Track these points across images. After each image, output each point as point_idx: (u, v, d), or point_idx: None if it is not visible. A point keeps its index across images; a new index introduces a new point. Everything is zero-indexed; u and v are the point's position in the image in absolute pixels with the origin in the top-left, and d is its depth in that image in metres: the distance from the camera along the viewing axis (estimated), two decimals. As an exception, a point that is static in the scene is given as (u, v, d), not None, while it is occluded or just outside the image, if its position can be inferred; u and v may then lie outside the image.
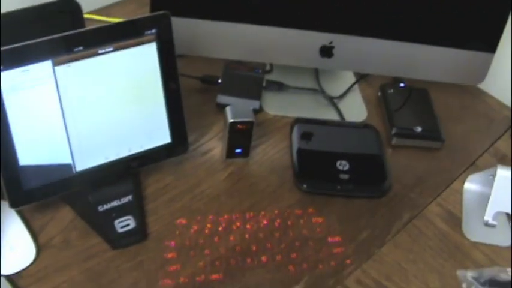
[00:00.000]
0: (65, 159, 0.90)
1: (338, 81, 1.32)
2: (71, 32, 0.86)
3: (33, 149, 0.87)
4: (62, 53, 0.86)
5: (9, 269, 0.86)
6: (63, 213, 0.95)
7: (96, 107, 0.91)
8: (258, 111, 1.19)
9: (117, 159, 0.95)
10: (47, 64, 0.85)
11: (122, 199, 0.94)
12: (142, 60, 0.94)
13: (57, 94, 0.86)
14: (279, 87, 1.25)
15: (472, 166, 1.18)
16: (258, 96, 1.20)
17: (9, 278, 0.85)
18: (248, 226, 0.99)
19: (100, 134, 0.92)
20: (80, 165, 0.91)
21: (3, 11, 0.90)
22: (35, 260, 0.88)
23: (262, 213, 1.01)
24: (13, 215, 0.92)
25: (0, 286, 0.82)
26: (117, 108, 0.93)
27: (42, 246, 0.90)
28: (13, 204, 0.88)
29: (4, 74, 0.81)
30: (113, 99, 0.92)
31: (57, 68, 0.86)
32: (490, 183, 1.04)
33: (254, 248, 0.96)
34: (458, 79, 1.25)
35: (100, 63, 0.89)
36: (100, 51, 0.89)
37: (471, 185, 1.12)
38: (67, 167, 0.91)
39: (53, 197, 0.93)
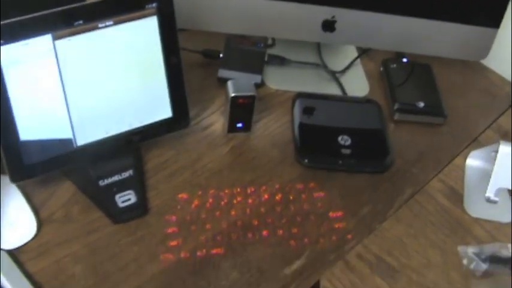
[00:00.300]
0: (66, 134, 0.90)
1: (340, 56, 1.31)
2: (71, 6, 0.86)
3: (34, 123, 0.86)
4: (62, 26, 0.85)
5: (11, 244, 0.86)
6: (65, 188, 0.95)
7: (97, 81, 0.90)
8: (259, 85, 1.18)
9: (118, 134, 0.95)
10: (47, 38, 0.84)
11: (122, 174, 0.94)
12: (143, 34, 0.93)
13: (57, 68, 0.86)
14: (281, 61, 1.25)
15: (474, 142, 1.17)
16: (259, 71, 1.20)
17: (11, 253, 0.85)
18: (249, 201, 0.99)
19: (101, 109, 0.92)
20: (81, 140, 0.91)
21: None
22: (36, 235, 0.88)
23: (264, 187, 1.01)
24: (14, 190, 0.92)
25: (1, 261, 0.82)
26: (118, 82, 0.93)
27: (43, 221, 0.90)
28: (14, 179, 0.88)
29: (4, 48, 0.81)
30: (113, 74, 0.92)
31: (57, 42, 0.85)
32: (492, 160, 1.04)
33: (255, 223, 0.96)
34: (461, 54, 1.24)
35: (100, 37, 0.89)
36: (100, 25, 0.88)
37: (473, 161, 1.11)
38: (68, 142, 0.90)
39: (54, 171, 0.93)
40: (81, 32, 0.87)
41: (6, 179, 0.88)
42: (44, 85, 0.86)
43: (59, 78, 0.87)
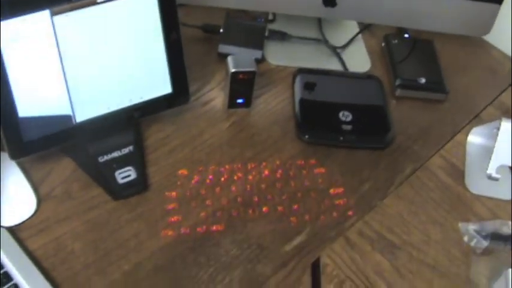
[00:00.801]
0: (65, 110, 0.89)
1: (341, 31, 1.30)
2: (69, -20, 0.85)
3: (33, 100, 0.86)
4: (60, 2, 0.84)
5: (10, 220, 0.86)
6: (64, 165, 0.95)
7: (96, 57, 0.90)
8: (260, 61, 1.18)
9: (118, 110, 0.94)
10: (45, 14, 0.84)
11: (122, 150, 0.94)
12: (142, 9, 0.92)
13: (56, 44, 0.85)
14: (282, 36, 1.24)
15: (475, 119, 1.17)
16: (260, 46, 1.19)
17: (10, 230, 0.85)
18: (250, 177, 0.98)
19: (100, 85, 0.91)
20: (80, 116, 0.91)
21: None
22: (35, 212, 0.88)
23: (264, 164, 1.01)
24: (13, 167, 0.91)
25: (0, 238, 0.82)
26: (117, 58, 0.92)
27: (43, 197, 0.90)
28: (13, 156, 0.88)
29: (2, 24, 0.80)
30: (112, 49, 0.91)
31: (55, 18, 0.84)
32: (493, 136, 1.04)
33: (256, 199, 0.96)
34: (464, 30, 1.23)
35: (99, 13, 0.88)
36: (99, 0, 0.87)
37: (474, 138, 1.11)
38: (67, 118, 0.90)
39: (54, 148, 0.92)
40: (79, 8, 0.86)
41: (5, 156, 0.88)
42: (42, 61, 0.85)
43: (58, 54, 0.86)
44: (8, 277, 0.78)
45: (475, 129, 1.12)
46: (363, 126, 1.09)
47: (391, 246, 0.93)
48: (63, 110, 0.89)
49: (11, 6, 0.80)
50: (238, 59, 1.04)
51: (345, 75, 1.20)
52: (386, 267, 0.90)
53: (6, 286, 0.77)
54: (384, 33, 1.30)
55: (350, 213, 0.97)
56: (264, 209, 0.94)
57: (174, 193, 0.94)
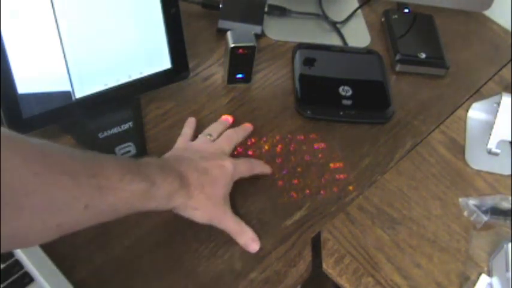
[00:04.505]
0: (64, 87, 0.89)
1: (341, 6, 1.29)
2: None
3: (32, 76, 0.85)
4: (59, -24, 0.83)
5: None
6: (64, 142, 0.94)
7: (95, 32, 0.89)
8: (259, 36, 1.17)
9: (117, 86, 0.93)
10: (44, -13, 0.83)
11: (122, 126, 0.93)
12: (142, -17, 0.91)
13: (54, 19, 0.84)
14: (281, 12, 1.23)
15: (476, 94, 1.17)
16: (259, 21, 1.18)
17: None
18: (250, 152, 0.98)
19: (99, 60, 0.91)
20: (80, 92, 0.90)
21: None
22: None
23: (264, 139, 1.00)
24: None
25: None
26: (116, 33, 0.91)
27: (42, 173, 0.90)
28: (13, 132, 0.87)
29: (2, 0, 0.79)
30: (111, 24, 0.90)
31: (54, -8, 0.83)
32: (494, 111, 1.04)
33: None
34: (464, 5, 1.23)
35: (98, -13, 0.87)
36: (98, -26, 0.87)
37: (475, 113, 1.11)
38: (66, 95, 0.89)
39: (53, 124, 0.92)
40: (78, -19, 0.85)
41: (4, 131, 0.87)
42: (41, 37, 0.85)
43: (56, 30, 0.85)
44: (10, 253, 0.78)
45: (475, 105, 1.12)
46: (363, 101, 1.09)
47: (391, 221, 0.93)
48: (62, 86, 0.89)
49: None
50: (237, 33, 1.04)
51: (345, 50, 1.20)
52: (386, 242, 0.90)
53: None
54: (383, 9, 1.29)
55: (350, 188, 0.97)
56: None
57: (174, 169, 0.94)
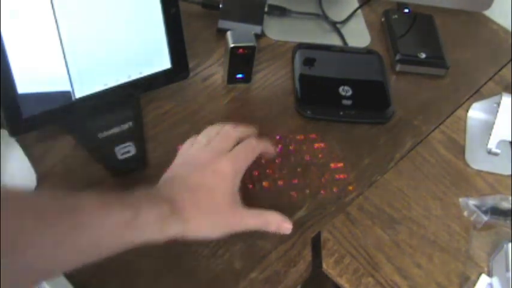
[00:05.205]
0: (64, 86, 0.89)
1: (341, 6, 1.29)
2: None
3: (32, 76, 0.85)
4: (59, -25, 0.84)
5: (10, 196, 0.86)
6: (64, 141, 0.94)
7: (95, 32, 0.89)
8: (259, 36, 1.17)
9: (117, 86, 0.93)
10: (44, -13, 0.83)
11: (122, 126, 0.93)
12: (141, -17, 0.91)
13: (54, 19, 0.84)
14: (281, 12, 1.23)
15: (476, 94, 1.17)
16: (259, 21, 1.18)
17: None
18: (250, 153, 0.98)
19: (99, 60, 0.91)
20: (79, 92, 0.90)
21: None
22: (36, 189, 0.88)
23: (264, 138, 1.00)
24: (13, 144, 0.91)
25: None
26: (116, 33, 0.91)
27: (43, 174, 0.90)
28: (13, 133, 0.87)
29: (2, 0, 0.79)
30: (111, 24, 0.90)
31: (54, -8, 0.84)
32: (494, 111, 1.04)
33: (256, 174, 0.95)
34: (464, 5, 1.23)
35: (98, -14, 0.87)
36: (98, -26, 0.87)
37: (475, 113, 1.11)
38: (66, 94, 0.89)
39: (53, 124, 0.92)
40: (78, -19, 0.85)
41: (5, 133, 0.87)
42: (41, 37, 0.85)
43: (56, 29, 0.85)
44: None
45: (475, 104, 1.12)
46: (363, 101, 1.09)
47: (391, 221, 0.93)
48: (62, 86, 0.89)
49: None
50: (237, 33, 1.04)
51: (345, 50, 1.20)
52: (386, 242, 0.90)
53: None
54: (383, 9, 1.29)
55: (350, 188, 0.97)
56: (264, 183, 0.94)
57: (174, 169, 0.94)
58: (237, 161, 0.84)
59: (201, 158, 0.84)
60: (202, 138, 0.88)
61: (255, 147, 0.86)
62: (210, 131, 0.89)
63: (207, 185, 0.80)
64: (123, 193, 0.72)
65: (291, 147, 1.00)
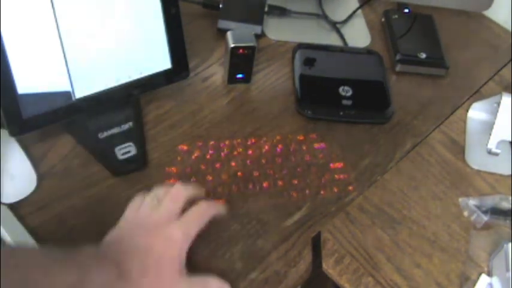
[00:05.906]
0: (64, 87, 0.89)
1: (341, 6, 1.29)
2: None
3: (32, 76, 0.85)
4: (59, -25, 0.84)
5: (11, 197, 0.86)
6: (64, 142, 0.95)
7: (94, 32, 0.89)
8: (259, 36, 1.17)
9: (117, 86, 0.93)
10: (44, -13, 0.83)
11: (122, 126, 0.93)
12: (142, -17, 0.91)
13: (54, 18, 0.84)
14: (282, 12, 1.23)
15: (476, 94, 1.17)
16: (260, 21, 1.18)
17: (11, 207, 0.85)
18: (250, 152, 0.98)
19: (99, 60, 0.91)
20: (79, 93, 0.90)
21: None
22: (36, 189, 0.88)
23: (264, 139, 1.00)
24: (13, 144, 0.91)
25: (1, 215, 0.82)
26: (116, 33, 0.91)
27: (43, 174, 0.90)
28: (13, 133, 0.87)
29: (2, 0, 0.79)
30: (111, 24, 0.90)
31: (54, -8, 0.84)
32: (494, 111, 1.04)
33: (256, 174, 0.96)
34: (464, 5, 1.23)
35: (98, -13, 0.87)
36: (98, -26, 0.87)
37: (475, 113, 1.11)
38: (66, 95, 0.89)
39: (53, 124, 0.92)
40: (78, -18, 0.85)
41: (5, 133, 0.87)
42: (41, 37, 0.85)
43: (56, 29, 0.85)
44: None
45: (475, 105, 1.12)
46: (363, 102, 1.09)
47: (391, 221, 0.93)
48: (62, 86, 0.89)
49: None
50: (237, 33, 1.04)
51: (345, 50, 1.20)
52: (386, 242, 0.90)
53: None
54: (383, 9, 1.29)
55: (350, 188, 0.97)
56: (265, 184, 0.94)
57: (174, 169, 0.94)
58: (188, 227, 0.80)
59: (151, 220, 0.80)
60: (151, 198, 0.83)
61: (206, 211, 0.83)
62: (159, 191, 0.84)
63: (156, 250, 0.77)
64: (71, 250, 0.70)
65: (291, 148, 1.00)
